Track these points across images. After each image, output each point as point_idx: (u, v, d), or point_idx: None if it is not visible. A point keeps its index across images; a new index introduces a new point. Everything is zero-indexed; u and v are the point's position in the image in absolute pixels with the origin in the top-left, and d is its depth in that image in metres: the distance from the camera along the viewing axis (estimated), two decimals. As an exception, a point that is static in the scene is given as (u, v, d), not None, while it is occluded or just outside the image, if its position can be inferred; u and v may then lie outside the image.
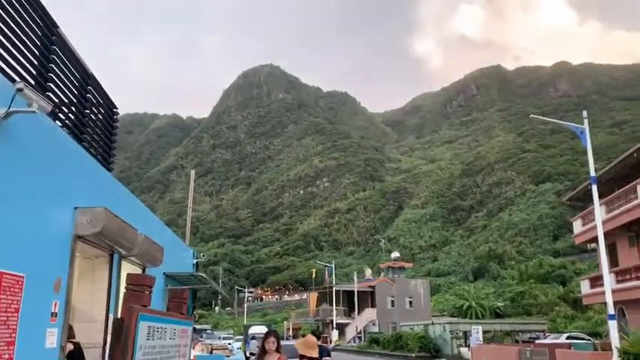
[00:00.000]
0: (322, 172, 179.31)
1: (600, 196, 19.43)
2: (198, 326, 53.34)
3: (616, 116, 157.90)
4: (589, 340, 29.24)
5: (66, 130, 7.87)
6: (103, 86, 9.46)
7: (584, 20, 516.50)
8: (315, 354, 5.79)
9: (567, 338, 30.10)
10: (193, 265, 17.29)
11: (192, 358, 9.97)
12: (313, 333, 6.74)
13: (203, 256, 20.74)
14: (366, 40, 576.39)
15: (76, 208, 7.02)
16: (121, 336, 2.08)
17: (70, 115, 8.09)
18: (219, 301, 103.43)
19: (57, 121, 7.63)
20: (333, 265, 60.01)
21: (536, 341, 30.17)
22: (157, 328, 2.35)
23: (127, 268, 9.65)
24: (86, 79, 8.56)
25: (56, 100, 7.63)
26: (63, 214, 6.80)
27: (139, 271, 10.43)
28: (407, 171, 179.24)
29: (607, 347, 17.81)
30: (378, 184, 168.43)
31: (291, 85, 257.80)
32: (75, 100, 8.19)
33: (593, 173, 17.78)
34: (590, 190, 18.36)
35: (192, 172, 20.10)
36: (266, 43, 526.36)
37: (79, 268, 7.59)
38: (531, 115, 18.53)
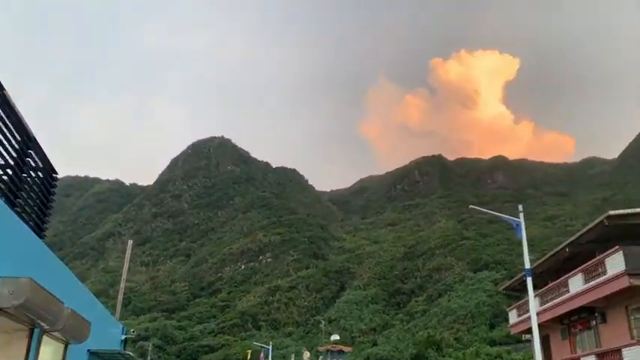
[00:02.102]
0: (266, 247, 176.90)
1: (535, 288, 20.04)
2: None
3: (549, 210, 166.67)
4: None
5: (-1, 194, 7.52)
6: (46, 149, 9.21)
7: (519, 119, 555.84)
8: None
9: None
10: (122, 341, 16.26)
11: None
12: None
13: (133, 332, 19.58)
14: (318, 120, 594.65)
15: (-1, 277, 6.56)
16: None
17: (3, 177, 7.77)
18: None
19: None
20: (270, 347, 57.86)
21: None
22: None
23: (48, 344, 8.94)
24: (27, 142, 8.31)
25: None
26: (-17, 283, 6.32)
27: (61, 347, 9.68)
28: (351, 250, 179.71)
29: None
30: (321, 263, 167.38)
31: (240, 158, 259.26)
32: (12, 163, 7.89)
33: (527, 265, 18.41)
34: (525, 281, 18.91)
35: (130, 242, 19.40)
36: (220, 115, 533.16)
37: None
38: (470, 206, 19.29)
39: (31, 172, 8.50)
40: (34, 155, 8.47)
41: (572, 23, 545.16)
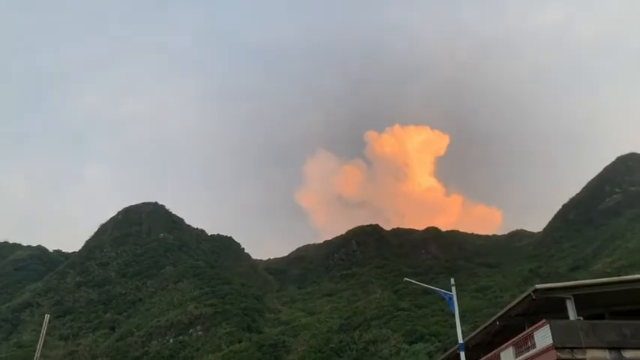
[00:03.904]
0: (197, 320, 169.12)
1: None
2: None
3: (480, 281, 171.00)
4: None
5: None
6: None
7: (449, 192, 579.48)
8: None
9: None
10: None
11: None
12: None
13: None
14: (256, 189, 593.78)
15: None
16: None
17: None
18: None
19: None
20: None
21: None
22: None
23: None
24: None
25: None
26: None
27: None
28: (286, 323, 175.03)
29: None
30: (255, 336, 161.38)
31: (174, 225, 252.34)
32: None
33: (460, 340, 18.57)
34: (459, 355, 18.99)
35: (47, 316, 18.06)
36: (153, 181, 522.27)
37: None
38: (405, 278, 19.51)
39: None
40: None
41: (493, 96, 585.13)
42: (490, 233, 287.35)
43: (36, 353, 17.59)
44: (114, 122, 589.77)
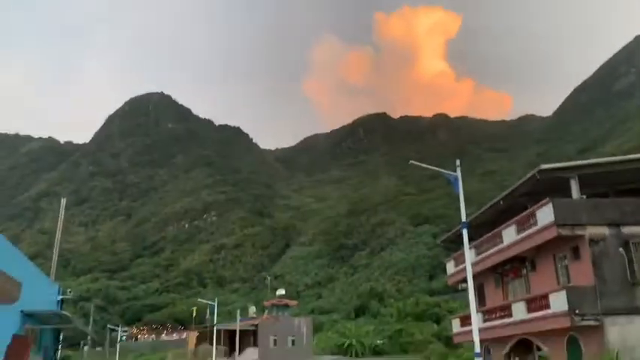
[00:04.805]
0: (210, 206, 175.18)
1: (471, 240, 20.88)
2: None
3: (487, 166, 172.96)
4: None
5: None
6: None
7: (460, 77, 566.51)
8: None
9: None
10: (58, 302, 15.79)
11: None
12: None
13: (70, 292, 19.06)
14: (261, 77, 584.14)
15: None
16: None
17: None
18: (88, 341, 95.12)
19: None
20: (215, 304, 58.03)
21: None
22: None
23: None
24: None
25: None
26: None
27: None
28: (296, 208, 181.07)
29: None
30: (267, 220, 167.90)
31: (181, 115, 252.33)
32: None
33: (464, 218, 19.04)
34: (462, 233, 19.62)
35: (63, 200, 18.60)
36: (158, 70, 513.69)
37: None
38: (410, 162, 19.61)
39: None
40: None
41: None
42: (499, 118, 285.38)
43: (56, 237, 18.33)
44: (114, 8, 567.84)
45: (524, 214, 22.46)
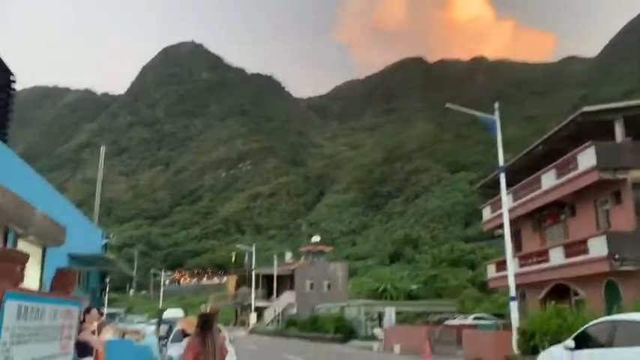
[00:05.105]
0: (245, 155, 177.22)
1: (508, 185, 20.53)
2: (111, 310, 51.32)
3: (527, 110, 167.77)
4: (493, 320, 31.05)
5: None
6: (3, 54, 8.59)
7: (501, 17, 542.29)
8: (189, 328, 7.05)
9: (474, 319, 31.81)
10: (102, 246, 16.47)
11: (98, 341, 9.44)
12: (206, 316, 6.91)
13: (113, 236, 19.84)
14: (294, 24, 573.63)
15: (-40, 181, 6.33)
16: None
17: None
18: (133, 284, 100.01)
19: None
20: (253, 249, 59.65)
21: (445, 322, 31.64)
22: (32, 308, 2.12)
23: (25, 248, 8.93)
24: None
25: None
26: (-56, 187, 6.09)
27: (38, 251, 9.70)
28: (330, 156, 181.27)
29: (508, 328, 18.93)
30: (301, 169, 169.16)
31: (214, 64, 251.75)
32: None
33: (501, 163, 18.69)
34: (499, 179, 19.29)
35: (103, 147, 19.04)
36: (189, 19, 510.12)
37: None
38: (447, 105, 19.17)
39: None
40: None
41: None
42: (541, 61, 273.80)
43: (97, 185, 18.88)
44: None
45: (564, 158, 21.84)
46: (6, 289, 1.86)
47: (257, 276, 58.15)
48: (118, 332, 23.64)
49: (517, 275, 20.07)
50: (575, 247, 20.86)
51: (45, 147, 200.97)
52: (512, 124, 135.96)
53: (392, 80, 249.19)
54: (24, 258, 2.14)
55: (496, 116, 17.70)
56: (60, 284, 2.95)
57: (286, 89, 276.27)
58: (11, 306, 1.90)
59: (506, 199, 19.14)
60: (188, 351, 6.54)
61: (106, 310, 44.16)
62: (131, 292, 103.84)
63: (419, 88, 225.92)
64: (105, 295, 18.07)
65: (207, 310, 10.42)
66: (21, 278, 2.10)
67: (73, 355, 3.24)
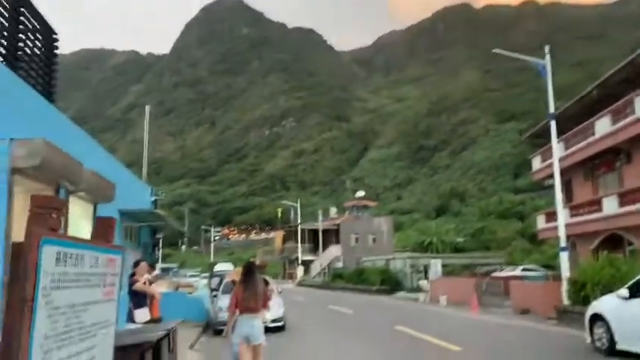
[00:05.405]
0: (288, 112, 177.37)
1: (559, 134, 19.72)
2: (165, 265, 53.66)
3: (578, 56, 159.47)
4: (542, 271, 30.60)
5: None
6: (50, 19, 8.68)
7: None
8: (237, 278, 7.51)
9: (522, 270, 31.43)
10: (152, 202, 17.00)
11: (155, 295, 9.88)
12: (249, 264, 7.36)
13: (162, 193, 20.43)
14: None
15: (12, 139, 6.57)
16: (19, 261, 1.83)
17: (2, 40, 7.44)
18: (185, 240, 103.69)
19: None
20: (298, 205, 60.44)
21: (493, 274, 31.41)
22: (71, 254, 2.16)
23: (77, 204, 9.29)
24: (18, 1, 7.82)
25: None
26: (-4, 146, 6.33)
27: (89, 207, 10.08)
28: (374, 110, 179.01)
29: (557, 279, 18.60)
30: (344, 124, 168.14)
31: (254, 19, 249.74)
32: (7, 25, 7.51)
33: (552, 109, 17.91)
34: (550, 126, 18.55)
35: (147, 107, 19.38)
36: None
37: (21, 205, 7.17)
38: (494, 50, 18.34)
39: (29, 34, 8.13)
40: (27, 15, 8.02)
41: None
42: (594, 2, 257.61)
43: (144, 142, 19.33)
44: None
45: (620, 102, 20.71)
46: (42, 235, 1.88)
47: (303, 231, 59.14)
48: (172, 285, 24.77)
49: (568, 225, 19.54)
50: (631, 196, 20.04)
51: (94, 109, 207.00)
52: (562, 70, 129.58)
53: (436, 29, 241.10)
54: (60, 204, 2.12)
55: (546, 60, 16.84)
56: (100, 233, 3.00)
57: (328, 43, 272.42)
58: (49, 251, 1.93)
59: (557, 148, 18.44)
60: (233, 296, 7.06)
61: (160, 265, 46.05)
62: (183, 248, 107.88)
63: (465, 35, 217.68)
64: (157, 250, 18.78)
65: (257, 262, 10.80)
66: (58, 225, 2.09)
67: (120, 304, 3.36)
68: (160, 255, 55.17)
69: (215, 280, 19.43)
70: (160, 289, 17.36)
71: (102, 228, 3.08)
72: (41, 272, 1.88)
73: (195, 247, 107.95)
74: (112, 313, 2.96)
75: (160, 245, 21.53)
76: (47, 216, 2.02)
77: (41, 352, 1.93)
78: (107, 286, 2.83)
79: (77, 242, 2.31)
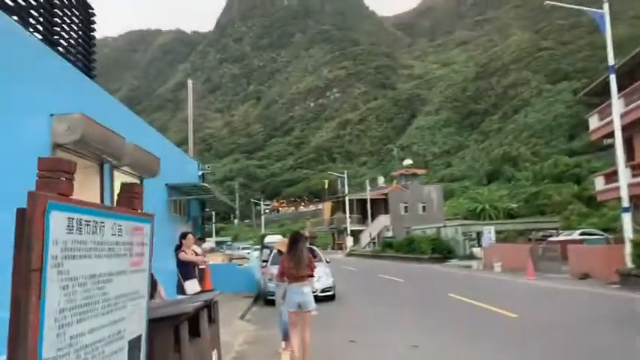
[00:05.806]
0: (332, 83, 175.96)
1: (619, 90, 18.52)
2: (219, 239, 55.01)
3: (638, 8, 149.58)
4: (602, 235, 29.31)
5: (37, 36, 7.27)
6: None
7: None
8: (284, 248, 7.56)
9: (580, 234, 30.20)
10: (199, 176, 17.17)
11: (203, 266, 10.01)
12: (295, 234, 7.60)
13: (208, 167, 20.63)
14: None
15: (52, 115, 6.59)
16: (23, 228, 1.68)
17: (39, 18, 7.43)
18: (237, 214, 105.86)
19: (26, 27, 7.01)
20: (345, 176, 60.21)
21: (549, 239, 30.36)
22: (86, 221, 2.00)
23: (122, 179, 9.38)
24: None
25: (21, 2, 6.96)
26: (38, 122, 6.38)
27: (136, 181, 10.19)
28: (420, 77, 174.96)
29: (619, 241, 17.71)
30: (390, 92, 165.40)
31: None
32: (42, 1, 7.48)
33: (611, 62, 16.77)
34: (608, 82, 17.42)
35: (190, 82, 19.44)
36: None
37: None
38: (547, 2, 17.20)
39: (65, 9, 8.10)
40: (62, -10, 7.98)
41: None
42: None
43: (188, 119, 19.49)
44: None
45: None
46: (48, 200, 1.71)
47: (351, 201, 58.98)
48: (226, 257, 25.29)
49: (630, 186, 18.48)
50: (700, 152, 18.71)
51: (145, 89, 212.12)
52: (621, 23, 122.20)
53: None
54: (68, 166, 1.93)
55: (605, 9, 15.70)
56: (125, 200, 2.83)
57: (370, 9, 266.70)
58: (58, 218, 1.78)
59: (617, 103, 17.33)
60: (280, 265, 7.43)
61: (214, 239, 47.07)
62: (235, 221, 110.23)
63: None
64: (207, 223, 19.08)
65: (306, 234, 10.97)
66: (69, 189, 1.92)
67: (169, 277, 3.21)
68: (214, 229, 56.64)
69: (266, 252, 19.68)
70: (215, 260, 17.71)
71: (126, 195, 2.92)
72: (49, 240, 1.73)
73: (246, 221, 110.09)
74: (142, 284, 2.83)
75: (214, 220, 21.91)
76: (56, 180, 1.85)
77: (56, 326, 1.80)
78: (135, 255, 2.69)
79: (95, 209, 2.12)
